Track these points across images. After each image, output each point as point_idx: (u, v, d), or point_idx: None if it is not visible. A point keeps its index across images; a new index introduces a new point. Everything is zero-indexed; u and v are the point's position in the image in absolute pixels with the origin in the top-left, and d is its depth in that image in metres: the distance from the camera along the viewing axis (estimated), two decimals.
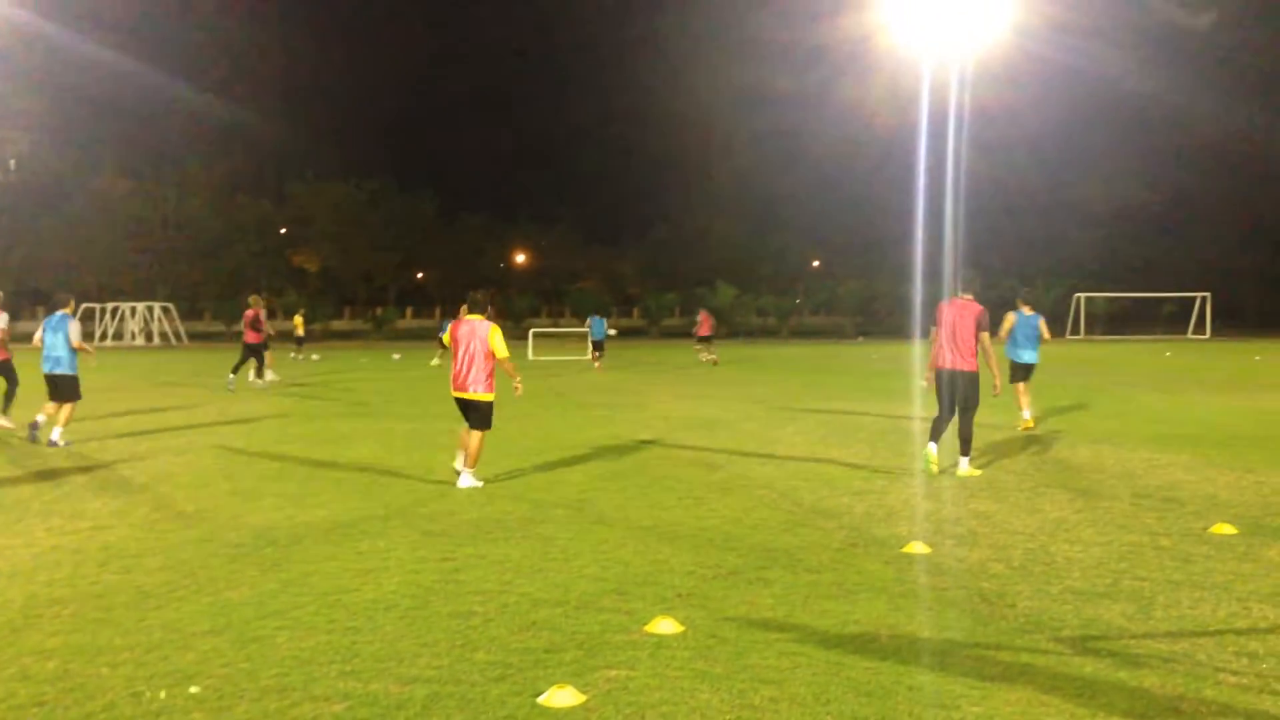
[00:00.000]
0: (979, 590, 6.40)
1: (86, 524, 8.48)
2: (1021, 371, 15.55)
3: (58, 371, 13.74)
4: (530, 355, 35.53)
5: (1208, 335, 61.79)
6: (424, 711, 4.52)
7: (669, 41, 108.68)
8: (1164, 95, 66.74)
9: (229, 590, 6.45)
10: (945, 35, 46.12)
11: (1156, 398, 19.96)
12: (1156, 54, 68.47)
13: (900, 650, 5.29)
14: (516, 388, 10.85)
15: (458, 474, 10.30)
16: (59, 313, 13.89)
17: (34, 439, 13.54)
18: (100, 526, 8.39)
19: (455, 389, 10.32)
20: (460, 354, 10.24)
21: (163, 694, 4.74)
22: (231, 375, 22.97)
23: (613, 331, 34.54)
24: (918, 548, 7.46)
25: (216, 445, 13.36)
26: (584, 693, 4.69)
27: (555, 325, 75.92)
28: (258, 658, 5.21)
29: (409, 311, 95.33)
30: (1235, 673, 4.94)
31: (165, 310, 61.30)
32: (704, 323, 35.45)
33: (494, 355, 10.21)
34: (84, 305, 61.38)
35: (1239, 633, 5.54)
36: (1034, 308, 15.91)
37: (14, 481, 10.61)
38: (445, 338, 10.82)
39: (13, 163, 77.47)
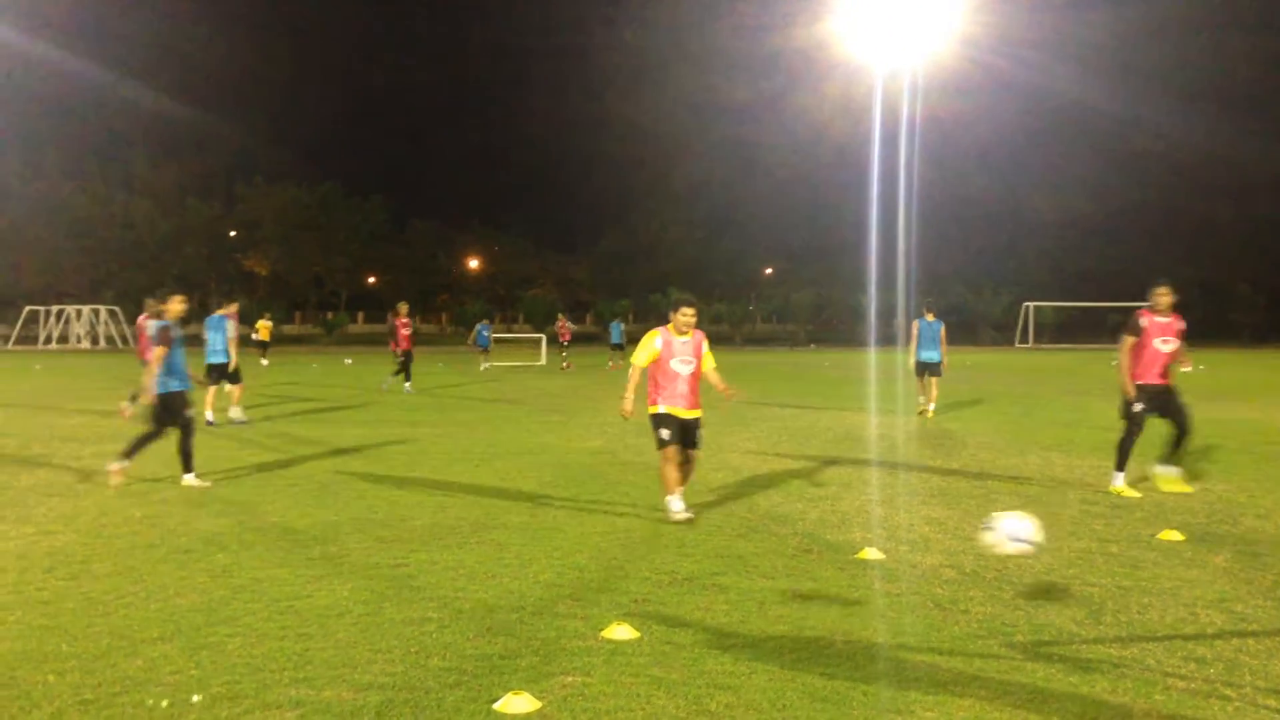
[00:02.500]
0: (932, 596, 6.45)
1: (32, 529, 8.32)
2: (927, 369, 18.21)
3: (223, 361, 16.57)
4: (483, 364, 35.39)
5: None
6: (378, 719, 4.48)
7: (625, 50, 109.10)
8: (1108, 107, 68.00)
9: (178, 597, 6.35)
10: (896, 46, 46.68)
11: (1105, 405, 20.24)
12: (1101, 66, 69.74)
13: (855, 656, 5.32)
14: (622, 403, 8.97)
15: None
16: (219, 314, 16.92)
17: (244, 423, 16.45)
18: (46, 531, 8.23)
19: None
20: None
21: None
22: (390, 379, 24.36)
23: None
24: (871, 553, 7.51)
25: (165, 450, 13.15)
26: (540, 699, 4.66)
27: (509, 331, 75.74)
28: (208, 665, 5.13)
29: (360, 316, 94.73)
30: (1184, 678, 5.02)
31: (111, 313, 60.39)
32: (564, 331, 38.72)
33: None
34: (28, 308, 60.41)
35: (1187, 638, 5.63)
36: (936, 315, 18.42)
37: None
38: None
39: None
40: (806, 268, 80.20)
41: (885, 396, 22.56)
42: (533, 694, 4.70)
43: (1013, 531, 6.54)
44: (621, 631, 5.61)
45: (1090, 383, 27.79)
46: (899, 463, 12.34)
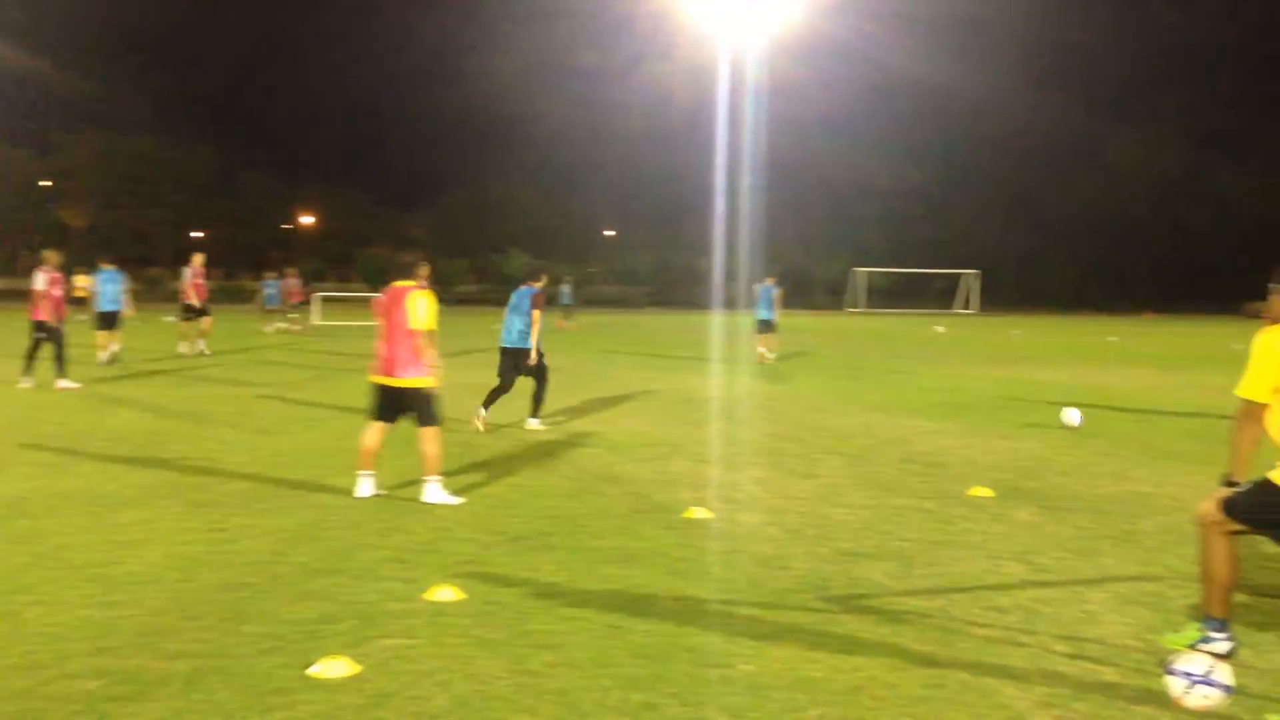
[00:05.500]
0: (756, 553, 6.59)
1: None
2: (762, 326, 21.93)
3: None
4: (318, 320, 34.45)
5: (975, 310, 65.61)
6: (187, 687, 4.33)
7: (475, 4, 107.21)
8: (938, 81, 70.39)
9: None
10: (744, 12, 47.09)
11: (927, 369, 21.05)
12: (936, 43, 72.10)
13: (680, 613, 5.40)
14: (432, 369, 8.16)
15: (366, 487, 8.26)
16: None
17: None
18: None
19: (380, 373, 8.14)
20: (386, 331, 8.13)
21: None
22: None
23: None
24: (699, 513, 7.63)
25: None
26: (359, 663, 4.59)
27: (345, 290, 73.90)
28: (4, 635, 4.88)
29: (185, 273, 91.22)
30: (985, 625, 5.27)
31: None
32: (294, 290, 34.03)
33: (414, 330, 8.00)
34: None
35: (989, 588, 5.91)
36: (773, 280, 22.23)
37: None
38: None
39: None
40: (650, 231, 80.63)
41: (723, 359, 22.94)
42: (352, 658, 4.62)
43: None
44: (445, 593, 5.57)
45: (912, 348, 28.82)
46: (730, 425, 12.58)
